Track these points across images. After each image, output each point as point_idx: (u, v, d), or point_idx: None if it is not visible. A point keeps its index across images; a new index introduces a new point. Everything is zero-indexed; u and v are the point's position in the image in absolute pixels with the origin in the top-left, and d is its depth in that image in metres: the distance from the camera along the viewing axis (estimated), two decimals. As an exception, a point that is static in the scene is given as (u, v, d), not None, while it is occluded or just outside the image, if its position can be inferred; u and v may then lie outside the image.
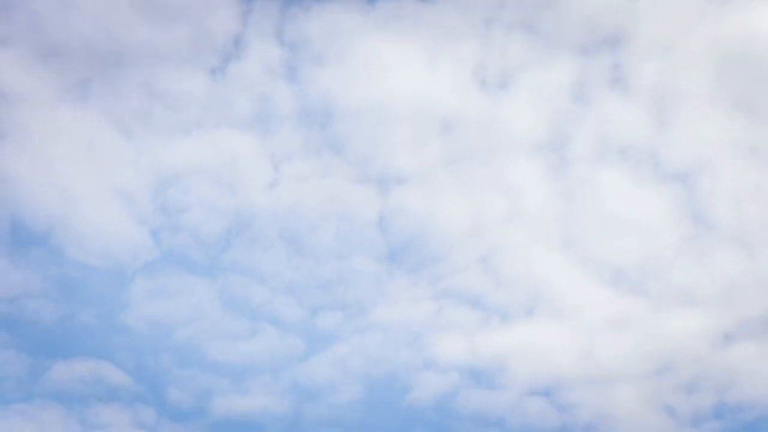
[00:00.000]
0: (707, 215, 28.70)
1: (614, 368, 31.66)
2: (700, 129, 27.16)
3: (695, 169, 27.85)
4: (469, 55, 27.92)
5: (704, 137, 27.14)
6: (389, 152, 30.85)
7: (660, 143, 28.54)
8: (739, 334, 29.35)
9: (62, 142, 28.36)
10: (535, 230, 31.67)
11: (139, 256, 31.07)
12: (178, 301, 34.19)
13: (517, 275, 33.60)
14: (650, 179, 28.62)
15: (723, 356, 29.08)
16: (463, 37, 27.43)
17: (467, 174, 31.12)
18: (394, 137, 30.50)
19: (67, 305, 32.06)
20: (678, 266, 29.77)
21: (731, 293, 28.89)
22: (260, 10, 27.78)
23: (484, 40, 27.28)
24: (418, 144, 30.89)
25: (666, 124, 27.58)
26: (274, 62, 28.83)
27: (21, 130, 27.45)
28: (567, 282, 32.35)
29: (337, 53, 28.09)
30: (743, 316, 28.21)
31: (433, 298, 33.41)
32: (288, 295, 34.16)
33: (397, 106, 30.42)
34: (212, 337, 33.97)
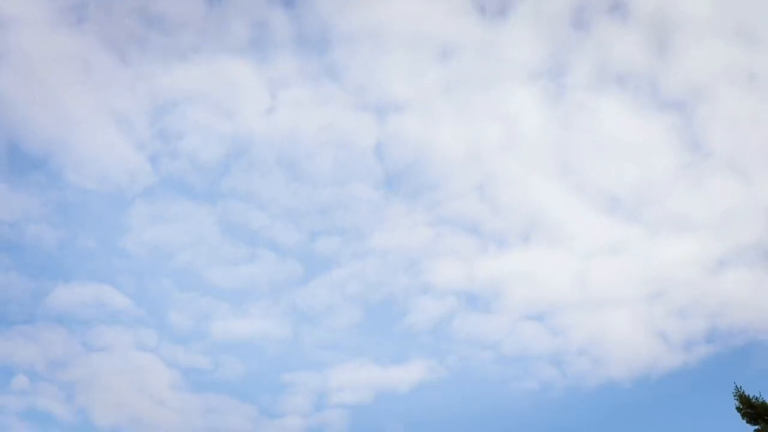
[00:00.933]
0: (704, 143, 28.66)
1: (608, 293, 31.73)
2: (698, 56, 26.77)
3: (693, 96, 27.63)
4: (468, -19, 27.04)
5: (703, 65, 26.76)
6: (386, 79, 30.52)
7: (658, 70, 28.14)
8: (732, 261, 29.45)
9: (58, 66, 27.88)
10: (532, 158, 31.55)
11: (137, 182, 30.97)
12: (177, 226, 33.98)
13: (514, 202, 33.38)
14: (648, 107, 28.46)
15: (716, 282, 29.21)
16: (461, -37, 26.62)
17: (465, 101, 30.88)
18: (392, 64, 30.08)
19: (67, 229, 31.89)
20: (674, 193, 29.77)
21: (726, 220, 28.90)
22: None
23: (482, -34, 26.44)
24: (415, 71, 30.48)
25: (665, 52, 27.19)
26: (271, -13, 27.76)
27: (16, 54, 26.90)
28: (563, 209, 32.23)
29: (333, -22, 27.16)
30: (737, 243, 28.29)
31: (431, 224, 33.35)
32: (286, 221, 34.03)
33: (394, 32, 29.86)
34: (211, 262, 33.86)
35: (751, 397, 8.71)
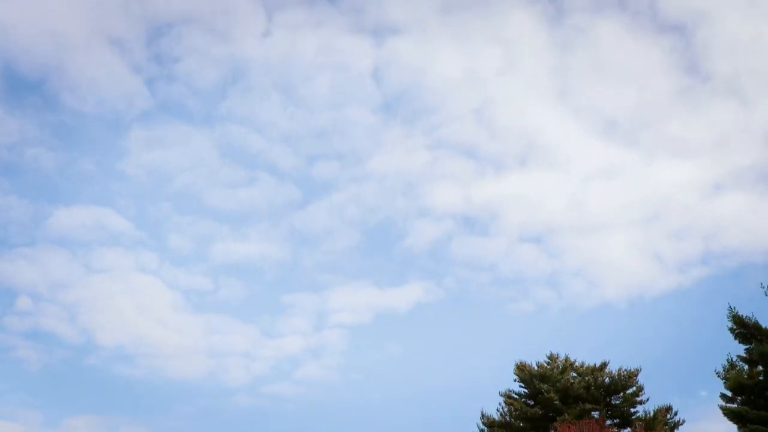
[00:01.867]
0: (703, 66, 28.62)
1: (605, 216, 32.12)
2: (699, -21, 26.41)
3: (693, 19, 27.49)
4: None
5: (704, -14, 26.41)
6: (383, 1, 30.20)
7: (658, -7, 27.83)
8: (728, 184, 29.76)
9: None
10: (529, 81, 31.50)
11: (134, 105, 30.91)
12: (176, 150, 34.05)
13: (511, 126, 33.49)
14: (648, 30, 28.32)
15: (711, 205, 29.56)
16: None
17: (463, 24, 30.68)
18: (388, -15, 29.64)
19: (65, 153, 31.98)
20: (671, 117, 29.85)
21: (723, 144, 29.09)
22: None
23: None
24: (412, -6, 30.09)
25: (666, -28, 26.84)
26: None
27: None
28: (560, 133, 32.36)
29: None
30: (734, 167, 28.54)
31: (428, 148, 33.49)
32: (284, 145, 34.10)
33: (391, -46, 29.38)
34: (210, 185, 34.10)
35: (744, 317, 8.97)
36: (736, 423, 8.30)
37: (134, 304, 34.51)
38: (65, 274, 34.13)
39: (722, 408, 8.52)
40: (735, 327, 8.81)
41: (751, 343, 8.75)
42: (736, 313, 8.79)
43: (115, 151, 35.53)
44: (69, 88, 34.49)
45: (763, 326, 8.64)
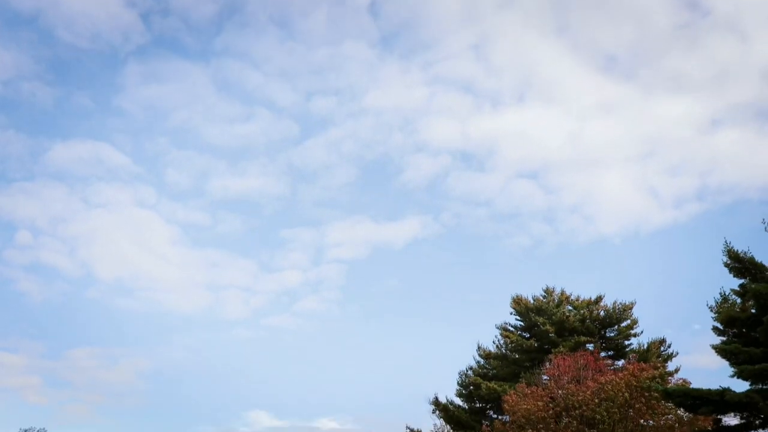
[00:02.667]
0: (703, 1, 28.34)
1: (601, 152, 32.24)
2: None
3: (693, -47, 27.04)
4: None
5: None
6: (380, -70, 29.69)
7: None
8: (725, 120, 29.82)
9: None
10: (528, 16, 31.22)
11: (130, 40, 30.65)
12: (172, 85, 33.94)
13: (509, 61, 33.37)
14: (648, -36, 27.90)
15: (708, 141, 29.66)
16: None
17: (460, -44, 30.15)
18: None
19: (62, 88, 31.89)
20: (670, 52, 29.69)
21: (721, 79, 29.01)
22: None
23: None
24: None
25: None
26: None
27: None
28: (559, 68, 32.25)
29: None
30: (731, 102, 28.55)
31: (425, 83, 33.42)
32: (281, 80, 33.99)
33: None
34: (207, 121, 34.11)
35: (739, 252, 9.10)
36: (726, 359, 8.49)
37: (133, 238, 34.76)
38: (64, 209, 34.30)
39: (714, 347, 8.70)
40: (730, 262, 8.93)
41: (745, 278, 8.88)
42: (732, 247, 8.90)
43: (111, 86, 35.39)
44: (64, 22, 34.15)
45: (758, 261, 8.78)
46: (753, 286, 8.20)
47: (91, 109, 34.52)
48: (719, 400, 8.12)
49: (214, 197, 35.27)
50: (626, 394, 9.18)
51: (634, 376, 9.49)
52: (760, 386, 8.12)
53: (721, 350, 8.42)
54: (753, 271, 8.72)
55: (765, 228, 8.75)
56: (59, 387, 31.68)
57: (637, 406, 9.10)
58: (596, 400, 9.38)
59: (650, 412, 9.17)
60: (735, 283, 9.33)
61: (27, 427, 21.22)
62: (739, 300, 9.40)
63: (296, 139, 36.08)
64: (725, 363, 8.63)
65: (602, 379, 9.65)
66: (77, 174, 35.03)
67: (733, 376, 8.58)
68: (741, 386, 8.34)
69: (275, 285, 35.14)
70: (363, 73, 35.07)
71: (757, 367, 7.74)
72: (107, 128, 34.58)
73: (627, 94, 32.47)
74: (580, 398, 9.53)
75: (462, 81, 35.49)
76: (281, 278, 35.03)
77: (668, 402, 8.74)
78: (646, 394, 9.20)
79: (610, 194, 33.50)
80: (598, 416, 9.29)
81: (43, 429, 22.04)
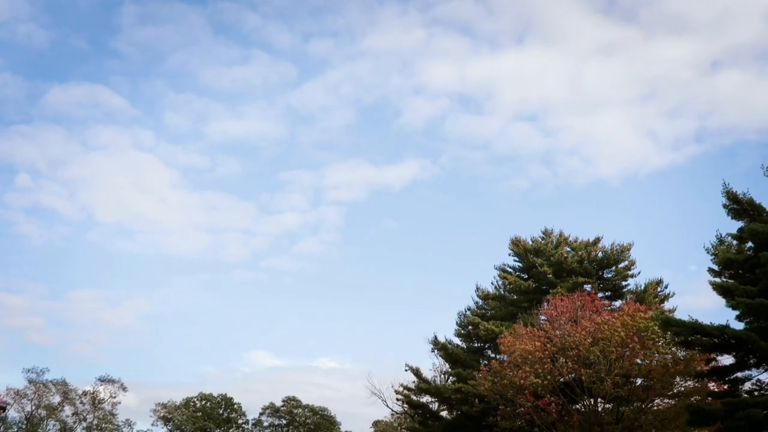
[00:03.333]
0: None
1: (601, 95, 32.11)
2: None
3: None
4: None
5: None
6: None
7: None
8: (726, 62, 29.62)
9: None
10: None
11: (126, -19, 30.13)
12: (169, 27, 33.64)
13: (508, 3, 33.04)
14: None
15: (708, 83, 29.51)
16: None
17: None
18: None
19: (57, 30, 31.63)
20: (672, -7, 29.20)
21: (722, 21, 28.72)
22: None
23: None
24: None
25: None
26: None
27: None
28: (558, 9, 31.94)
29: None
30: (732, 44, 28.33)
31: (424, 25, 33.12)
32: (279, 22, 33.68)
33: None
34: (205, 63, 33.92)
35: (738, 193, 9.12)
36: (723, 297, 8.55)
37: (132, 181, 34.85)
38: (63, 152, 34.29)
39: (711, 283, 8.76)
40: (729, 203, 8.94)
41: (743, 219, 8.91)
42: (730, 189, 8.91)
43: (107, 28, 35.06)
44: (58, -39, 33.70)
45: (757, 203, 8.80)
46: (751, 225, 8.23)
47: (87, 52, 34.31)
48: (718, 335, 8.20)
49: (213, 140, 35.26)
50: (621, 334, 9.30)
51: (630, 317, 9.59)
52: (757, 325, 8.20)
53: (719, 287, 8.48)
54: (751, 213, 8.75)
55: (764, 173, 8.77)
56: (61, 328, 32.11)
57: (631, 345, 9.22)
58: (589, 340, 9.50)
59: (645, 351, 9.29)
60: (732, 225, 9.40)
61: (30, 367, 21.60)
62: (735, 243, 9.46)
63: (294, 82, 35.93)
64: (720, 304, 8.69)
65: (598, 320, 9.76)
66: (75, 117, 34.97)
67: (734, 310, 8.59)
68: (737, 327, 8.44)
69: (274, 227, 35.36)
70: (361, 14, 34.75)
71: (755, 300, 7.80)
72: (104, 71, 34.42)
73: (627, 35, 32.22)
74: (576, 339, 9.65)
75: (460, 23, 35.22)
76: (280, 220, 35.24)
77: (667, 332, 8.82)
78: (642, 333, 9.31)
79: (609, 136, 33.49)
80: (592, 357, 9.43)
81: (46, 368, 22.40)
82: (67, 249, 34.38)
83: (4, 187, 33.56)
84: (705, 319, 8.18)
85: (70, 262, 34.60)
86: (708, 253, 9.70)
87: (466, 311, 14.56)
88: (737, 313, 8.50)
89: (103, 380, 22.54)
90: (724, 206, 9.00)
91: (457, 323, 14.61)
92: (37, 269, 34.09)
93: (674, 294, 13.31)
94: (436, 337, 14.14)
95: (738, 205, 8.86)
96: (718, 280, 8.94)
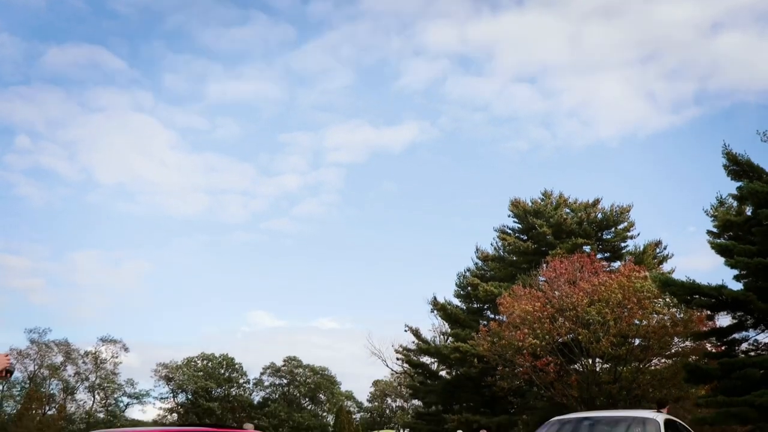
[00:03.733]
0: None
1: (601, 56, 31.89)
2: None
3: None
4: None
5: None
6: None
7: None
8: (726, 23, 29.38)
9: None
10: None
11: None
12: (167, -15, 33.17)
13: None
14: None
15: (709, 45, 29.31)
16: None
17: None
18: None
19: (53, -12, 31.19)
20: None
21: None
22: None
23: None
24: None
25: None
26: None
27: None
28: (559, -31, 31.49)
29: None
30: (733, 5, 28.08)
31: (424, -15, 32.62)
32: (278, -18, 33.24)
33: None
34: (204, 24, 33.65)
35: (738, 154, 9.11)
36: (722, 256, 8.57)
37: (132, 142, 34.69)
38: (62, 113, 34.10)
39: (710, 242, 8.78)
40: (728, 164, 8.93)
41: (742, 180, 8.91)
42: (730, 150, 8.90)
43: (104, -13, 34.66)
44: None
45: (756, 164, 8.79)
46: (749, 184, 8.23)
47: (85, 12, 33.99)
48: (716, 295, 8.24)
49: (212, 101, 35.05)
50: (619, 295, 9.33)
51: (626, 277, 9.63)
52: (755, 285, 8.23)
53: (718, 246, 8.50)
54: (750, 174, 8.73)
55: (761, 139, 8.76)
56: (63, 288, 32.21)
57: (629, 306, 9.26)
58: (586, 300, 9.55)
59: (642, 311, 9.34)
60: (732, 187, 9.38)
61: (32, 327, 21.74)
62: (735, 204, 9.47)
63: (293, 43, 35.64)
64: (719, 264, 8.72)
65: (595, 281, 9.79)
66: (74, 78, 34.72)
67: (733, 269, 8.62)
68: (735, 288, 8.48)
69: (274, 189, 35.27)
70: (361, -27, 34.38)
71: (754, 260, 7.82)
72: (102, 31, 34.11)
73: (628, -5, 31.92)
74: (573, 299, 9.69)
75: (460, -18, 34.81)
76: (280, 182, 35.14)
77: (665, 292, 8.86)
78: (638, 294, 9.34)
79: (609, 98, 33.30)
80: (589, 318, 9.47)
81: (48, 328, 22.56)
82: (68, 210, 34.37)
83: (4, 148, 33.46)
84: (703, 281, 8.21)
85: (71, 224, 34.61)
86: (707, 215, 9.72)
87: (465, 272, 14.63)
88: (735, 273, 8.54)
89: (105, 340, 22.74)
90: (724, 167, 8.99)
91: (456, 284, 14.69)
92: (38, 230, 34.11)
93: (673, 255, 13.39)
94: (435, 298, 14.23)
95: (737, 167, 8.84)
96: (717, 240, 8.96)
